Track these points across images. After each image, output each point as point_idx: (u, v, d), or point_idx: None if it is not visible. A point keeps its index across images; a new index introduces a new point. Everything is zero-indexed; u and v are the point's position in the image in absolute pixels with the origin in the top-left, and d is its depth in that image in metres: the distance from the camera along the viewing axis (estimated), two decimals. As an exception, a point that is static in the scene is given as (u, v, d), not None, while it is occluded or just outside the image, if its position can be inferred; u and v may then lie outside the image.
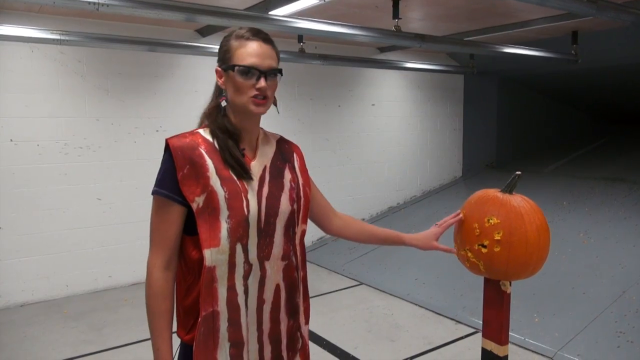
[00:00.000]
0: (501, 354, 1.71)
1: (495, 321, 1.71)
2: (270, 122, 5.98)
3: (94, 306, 4.26)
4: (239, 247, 1.31)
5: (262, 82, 1.31)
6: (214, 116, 1.38)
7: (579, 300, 3.81)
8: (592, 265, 4.22)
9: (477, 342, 3.50)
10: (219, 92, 1.40)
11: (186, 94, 4.93)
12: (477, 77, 6.76)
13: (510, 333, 3.64)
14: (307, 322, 1.52)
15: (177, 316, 1.38)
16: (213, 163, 1.31)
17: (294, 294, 1.44)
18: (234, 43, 1.34)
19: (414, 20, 4.58)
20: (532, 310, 3.79)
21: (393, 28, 3.84)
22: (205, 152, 1.32)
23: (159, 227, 1.32)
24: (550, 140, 7.79)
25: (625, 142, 7.59)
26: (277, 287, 1.40)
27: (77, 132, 4.43)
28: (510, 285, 1.70)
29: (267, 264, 1.37)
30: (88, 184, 4.52)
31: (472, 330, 3.69)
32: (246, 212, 1.32)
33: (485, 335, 1.75)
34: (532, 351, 3.35)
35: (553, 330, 3.50)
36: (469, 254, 1.63)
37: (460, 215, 1.68)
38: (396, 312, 4.07)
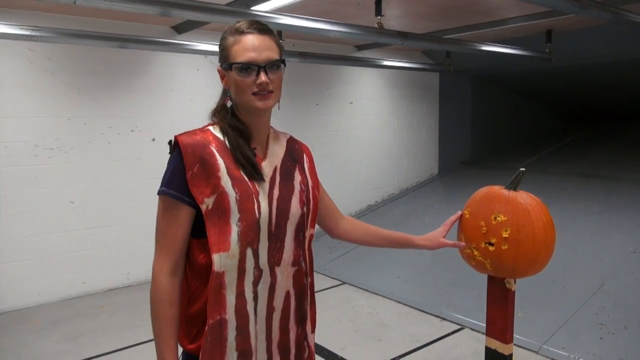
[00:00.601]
0: (506, 353, 1.70)
1: (500, 320, 1.70)
2: None
3: (69, 314, 4.08)
4: (249, 252, 1.25)
5: (262, 77, 1.25)
6: (223, 114, 1.32)
7: (559, 294, 3.87)
8: (570, 259, 4.30)
9: (463, 339, 3.52)
10: (225, 93, 1.34)
11: (162, 92, 4.79)
12: (451, 75, 6.81)
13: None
14: (313, 331, 1.46)
15: (179, 324, 1.31)
16: (224, 162, 1.25)
17: (303, 302, 1.39)
18: (230, 40, 1.28)
19: (393, 17, 4.57)
20: (515, 306, 3.83)
21: (375, 25, 3.81)
22: (216, 151, 1.25)
23: (166, 230, 1.25)
24: (522, 137, 7.95)
25: (594, 138, 7.81)
26: (287, 294, 1.34)
27: (47, 133, 4.24)
28: (515, 282, 1.69)
29: (278, 270, 1.31)
30: (60, 187, 4.33)
31: (458, 327, 3.71)
32: (257, 215, 1.26)
33: (489, 334, 1.74)
34: (518, 346, 3.37)
35: (537, 325, 3.54)
36: (475, 253, 1.61)
37: (460, 213, 1.67)
38: (381, 311, 4.06)
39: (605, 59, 5.42)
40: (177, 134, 1.26)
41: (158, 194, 1.26)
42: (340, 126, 6.19)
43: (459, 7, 4.24)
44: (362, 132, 6.38)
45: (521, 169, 1.65)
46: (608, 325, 3.42)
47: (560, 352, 3.23)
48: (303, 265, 1.38)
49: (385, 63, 5.64)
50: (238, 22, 1.30)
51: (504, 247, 1.54)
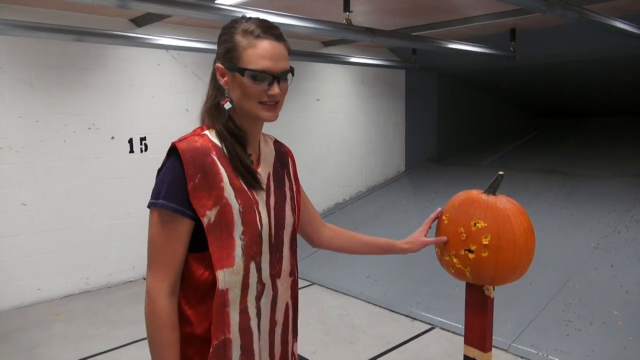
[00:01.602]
0: (485, 361, 1.65)
1: (479, 328, 1.65)
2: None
3: (22, 324, 3.85)
4: (252, 266, 1.19)
5: (275, 89, 1.16)
6: (217, 116, 1.21)
7: (527, 291, 3.91)
8: (535, 256, 4.33)
9: (434, 339, 3.50)
10: (220, 91, 1.22)
11: (121, 88, 4.57)
12: (418, 72, 6.83)
13: (463, 327, 3.69)
14: (296, 340, 1.40)
15: None
16: (225, 171, 1.16)
17: (297, 312, 1.36)
18: (241, 40, 1.16)
19: (361, 14, 4.50)
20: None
21: (344, 21, 3.73)
22: (217, 159, 1.15)
23: (164, 246, 1.14)
24: (487, 134, 8.06)
25: (554, 135, 7.99)
26: (287, 306, 1.31)
27: (-5, 131, 3.97)
28: (494, 289, 1.64)
29: (279, 282, 1.27)
30: (11, 189, 4.07)
31: (428, 326, 3.69)
32: (259, 227, 1.19)
33: (468, 343, 1.68)
34: (488, 344, 3.38)
35: (506, 322, 3.56)
36: (455, 260, 1.55)
37: (440, 209, 1.62)
38: (351, 312, 4.00)
39: (567, 58, 5.53)
40: (174, 140, 1.17)
41: (155, 207, 1.14)
42: (307, 123, 6.10)
43: (427, 5, 4.21)
44: (329, 129, 6.30)
45: (500, 173, 1.60)
46: (574, 322, 3.47)
47: (529, 349, 3.25)
48: (296, 273, 1.35)
49: (353, 60, 5.58)
50: (247, 20, 1.19)
51: (484, 254, 1.49)
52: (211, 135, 1.19)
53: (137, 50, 4.56)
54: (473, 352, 1.67)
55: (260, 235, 1.19)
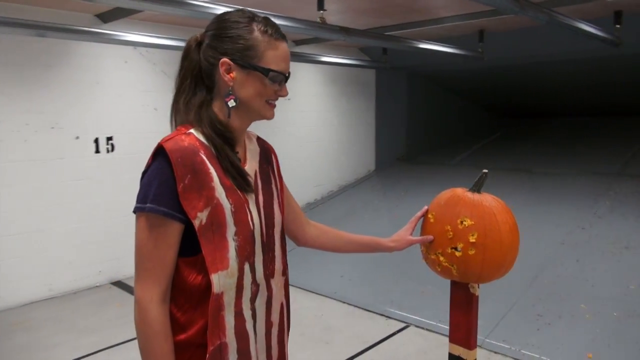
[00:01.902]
0: (471, 359, 1.66)
1: (465, 325, 1.65)
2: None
3: (-19, 333, 3.66)
4: (246, 267, 1.16)
5: (285, 89, 1.20)
6: (202, 114, 1.16)
7: (497, 286, 3.95)
8: (506, 253, 4.45)
9: (409, 337, 3.52)
10: (200, 87, 1.18)
11: (86, 86, 4.40)
12: (388, 72, 6.88)
13: (437, 324, 3.74)
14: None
15: None
16: (215, 171, 1.12)
17: (290, 309, 1.35)
18: (262, 40, 1.15)
19: (334, 12, 4.49)
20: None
21: (317, 19, 3.71)
22: (206, 158, 1.11)
23: (154, 252, 1.08)
24: (454, 134, 8.19)
25: (518, 134, 8.20)
26: (282, 306, 1.29)
27: (-50, 130, 3.76)
28: (478, 287, 1.65)
29: (273, 282, 1.25)
30: (-33, 191, 3.87)
31: (403, 324, 3.71)
32: (252, 226, 1.17)
33: (453, 341, 1.69)
34: (462, 341, 3.42)
35: (479, 317, 3.61)
36: (441, 258, 1.55)
37: (425, 208, 1.61)
38: (326, 312, 3.98)
39: (533, 59, 5.68)
40: (162, 140, 1.10)
41: (142, 211, 1.08)
42: (278, 123, 6.04)
43: (400, 5, 4.23)
44: (300, 128, 6.27)
45: (484, 171, 1.61)
46: (544, 316, 3.56)
47: (501, 344, 3.31)
48: (287, 272, 1.33)
49: (324, 59, 5.56)
50: (259, 21, 1.16)
51: (471, 252, 1.49)
52: (197, 133, 1.14)
53: (103, 46, 4.41)
54: (458, 349, 1.67)
55: (253, 235, 1.17)
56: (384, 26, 5.06)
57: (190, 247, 1.10)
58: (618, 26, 4.59)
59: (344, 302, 4.14)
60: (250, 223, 1.16)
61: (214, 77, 1.16)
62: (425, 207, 1.62)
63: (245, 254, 1.15)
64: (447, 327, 3.59)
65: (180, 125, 1.18)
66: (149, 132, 4.76)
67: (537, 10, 3.19)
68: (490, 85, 7.21)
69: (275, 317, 1.26)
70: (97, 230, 4.53)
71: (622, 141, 6.55)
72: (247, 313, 1.17)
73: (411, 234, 1.60)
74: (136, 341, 1.11)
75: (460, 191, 1.61)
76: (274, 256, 1.25)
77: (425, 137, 7.73)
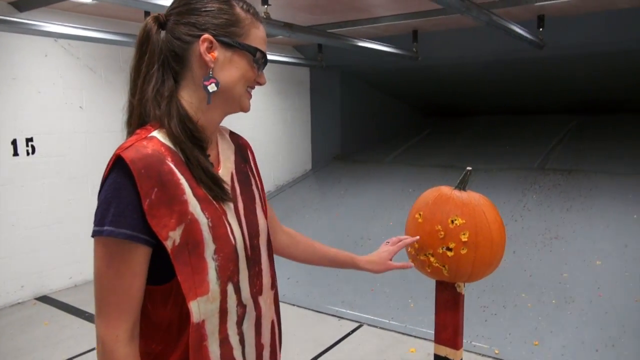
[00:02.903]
0: (457, 359, 1.64)
1: (451, 325, 1.63)
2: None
3: None
4: (230, 288, 0.99)
5: (264, 76, 1.07)
6: (172, 107, 0.97)
7: (443, 281, 4.09)
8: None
9: (364, 337, 3.50)
10: (170, 75, 0.99)
11: (1, 81, 3.94)
12: (322, 71, 6.86)
13: (390, 322, 3.76)
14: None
15: None
16: (186, 180, 0.94)
17: (281, 325, 1.21)
18: (245, 17, 1.01)
19: (272, 9, 4.37)
20: (406, 296, 3.95)
21: (262, 14, 3.58)
22: (175, 166, 0.93)
23: (116, 283, 0.90)
24: (386, 132, 8.35)
25: (446, 132, 8.53)
26: (273, 324, 1.14)
27: None
28: (464, 286, 1.64)
29: (261, 300, 1.09)
30: None
31: (356, 324, 3.69)
32: (233, 241, 1.00)
33: (439, 342, 1.66)
34: (415, 337, 3.47)
35: (429, 313, 3.66)
36: (432, 259, 1.51)
37: (416, 238, 1.53)
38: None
39: (463, 59, 5.90)
40: (120, 148, 0.91)
41: (100, 235, 0.90)
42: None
43: (341, 2, 4.21)
44: (235, 127, 6.01)
45: (468, 168, 1.60)
46: (490, 307, 3.69)
47: (453, 338, 3.38)
48: (277, 284, 1.19)
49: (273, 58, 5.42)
50: None
51: (463, 252, 1.47)
52: (161, 136, 0.95)
53: (19, 37, 3.97)
54: (445, 350, 1.65)
55: (235, 251, 1.00)
56: (322, 24, 5.02)
57: (161, 272, 0.94)
58: (541, 29, 4.89)
59: (294, 305, 4.04)
60: (231, 237, 1.00)
61: (187, 60, 0.99)
62: (416, 238, 1.53)
63: (228, 274, 0.99)
64: (401, 325, 3.63)
65: (139, 128, 0.98)
66: (74, 133, 4.37)
67: (479, 12, 3.29)
68: (421, 85, 7.43)
69: (266, 338, 1.12)
70: (18, 241, 4.08)
71: (541, 138, 7.00)
72: (234, 339, 1.02)
73: (391, 259, 1.50)
74: None
75: (447, 189, 1.59)
76: (260, 270, 1.09)
77: (360, 135, 7.81)
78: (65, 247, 4.37)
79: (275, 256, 1.21)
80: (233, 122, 5.38)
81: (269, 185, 6.61)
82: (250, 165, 1.18)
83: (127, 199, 0.89)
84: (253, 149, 1.27)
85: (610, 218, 4.54)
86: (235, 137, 1.21)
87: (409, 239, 1.52)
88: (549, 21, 4.90)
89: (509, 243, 4.48)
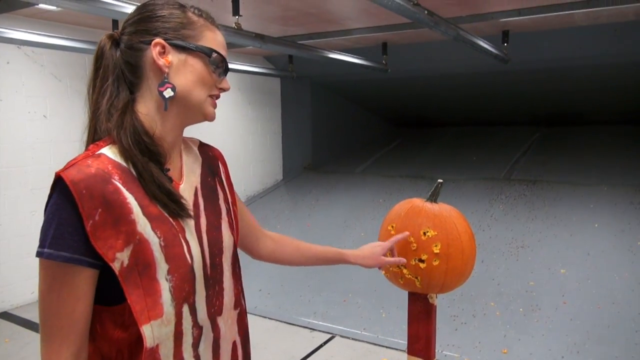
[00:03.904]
0: (430, 369, 1.65)
1: (424, 336, 1.64)
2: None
3: None
4: (185, 310, 0.95)
5: (227, 82, 1.03)
6: (125, 119, 0.94)
7: (414, 290, 4.12)
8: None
9: (336, 348, 3.49)
10: (123, 86, 0.97)
11: (-42, 89, 3.81)
12: (292, 81, 6.88)
13: (362, 332, 3.76)
14: None
15: None
16: (135, 199, 0.90)
17: (248, 345, 1.15)
18: (197, 20, 0.98)
19: (245, 19, 4.37)
20: (378, 307, 3.97)
21: (233, 25, 3.57)
22: (122, 184, 0.89)
23: (58, 308, 0.87)
24: (356, 143, 8.42)
25: (414, 143, 8.66)
26: (234, 345, 1.09)
27: None
28: (436, 297, 1.66)
29: (220, 320, 1.04)
30: None
31: (328, 335, 3.67)
32: (190, 260, 0.95)
33: (412, 353, 1.67)
34: (387, 347, 3.48)
35: (400, 323, 3.69)
36: (405, 271, 1.53)
37: (407, 233, 1.52)
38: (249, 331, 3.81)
39: (431, 72, 6.03)
40: (63, 168, 0.88)
41: (39, 256, 0.87)
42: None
43: (313, 14, 4.24)
44: (204, 137, 5.96)
45: (439, 181, 1.62)
46: (460, 316, 3.74)
47: (424, 347, 3.41)
48: (243, 302, 1.14)
49: (230, 66, 5.39)
50: (189, 6, 1.00)
51: (435, 263, 1.49)
52: (111, 152, 0.92)
53: (-21, 44, 3.85)
54: (417, 362, 1.66)
55: (192, 271, 0.96)
56: (293, 35, 5.05)
57: (113, 293, 0.89)
58: (505, 44, 5.04)
59: (265, 317, 4.00)
60: (188, 257, 0.95)
61: (141, 69, 0.96)
62: (407, 233, 1.51)
63: (184, 295, 0.94)
64: (373, 335, 3.64)
65: (92, 143, 0.95)
66: (37, 142, 4.24)
67: (447, 27, 3.37)
68: (391, 96, 7.54)
69: None
70: (-25, 256, 3.92)
71: (507, 149, 7.19)
72: None
73: (385, 254, 1.47)
74: None
75: (419, 202, 1.61)
76: (221, 289, 1.04)
77: (330, 146, 7.85)
78: (27, 261, 4.21)
79: (243, 271, 1.18)
80: (204, 131, 5.29)
81: (239, 195, 6.53)
82: (220, 178, 1.14)
83: (67, 220, 0.85)
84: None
85: (573, 227, 4.69)
86: (205, 149, 1.17)
87: (400, 235, 1.50)
88: (513, 37, 5.06)
89: (477, 252, 4.59)
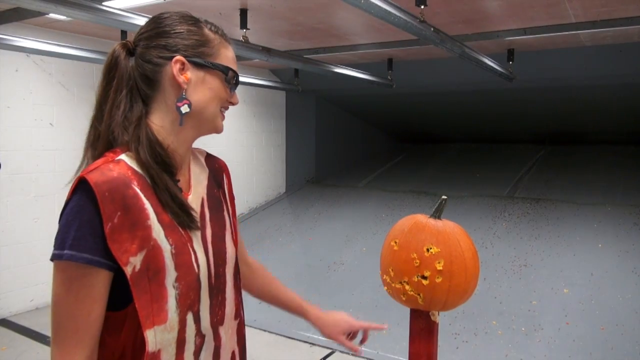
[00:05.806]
0: (431, 388, 1.63)
1: (425, 354, 1.62)
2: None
3: None
4: (189, 318, 0.96)
5: (237, 96, 1.06)
6: (140, 132, 0.96)
7: (415, 307, 4.09)
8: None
9: (336, 363, 3.46)
10: (136, 99, 0.98)
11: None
12: (297, 95, 6.92)
13: (363, 348, 3.72)
14: None
15: None
16: (152, 205, 0.92)
17: (245, 356, 1.18)
18: (214, 37, 1.02)
19: (252, 32, 4.41)
20: (378, 322, 3.92)
21: (241, 38, 3.61)
22: (140, 191, 0.92)
23: (75, 310, 0.87)
24: (360, 157, 8.44)
25: (418, 159, 8.66)
26: (233, 354, 1.11)
27: None
28: (438, 314, 1.64)
29: (222, 330, 1.05)
30: None
31: (328, 350, 3.64)
32: (197, 269, 0.97)
33: (413, 371, 1.65)
34: (388, 364, 3.44)
35: (401, 340, 3.66)
36: (407, 287, 1.51)
37: (386, 326, 1.51)
38: (247, 343, 3.78)
39: (436, 88, 6.05)
40: (85, 170, 0.90)
41: (60, 260, 0.87)
42: (187, 142, 5.76)
43: (319, 29, 4.27)
44: (209, 148, 5.98)
45: (443, 197, 1.61)
46: (461, 334, 3.70)
47: (425, 365, 3.37)
48: (242, 313, 1.16)
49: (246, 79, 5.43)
50: (204, 22, 1.03)
51: (438, 280, 1.48)
52: (129, 160, 0.94)
53: (-11, 52, 3.89)
54: (418, 379, 1.64)
55: (198, 280, 0.98)
56: (300, 49, 5.08)
57: (117, 298, 0.91)
58: (511, 62, 5.07)
59: (264, 331, 3.97)
60: (195, 265, 0.97)
61: (159, 83, 0.98)
62: (385, 326, 1.52)
63: (189, 303, 0.96)
64: (373, 352, 3.60)
65: (107, 150, 0.97)
66: (43, 150, 4.25)
67: (453, 44, 3.39)
68: (396, 111, 7.56)
69: None
70: (-24, 262, 3.91)
71: (510, 166, 7.18)
72: None
73: (346, 335, 1.49)
74: None
75: (422, 218, 1.60)
76: (224, 299, 1.07)
77: (333, 159, 7.86)
78: (28, 268, 4.21)
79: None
80: (208, 142, 5.30)
81: (242, 208, 6.55)
82: (224, 191, 1.17)
83: (88, 222, 0.86)
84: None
85: (576, 247, 4.66)
86: (211, 161, 1.19)
87: (375, 325, 1.53)
88: (518, 55, 5.09)
89: (479, 270, 4.56)
